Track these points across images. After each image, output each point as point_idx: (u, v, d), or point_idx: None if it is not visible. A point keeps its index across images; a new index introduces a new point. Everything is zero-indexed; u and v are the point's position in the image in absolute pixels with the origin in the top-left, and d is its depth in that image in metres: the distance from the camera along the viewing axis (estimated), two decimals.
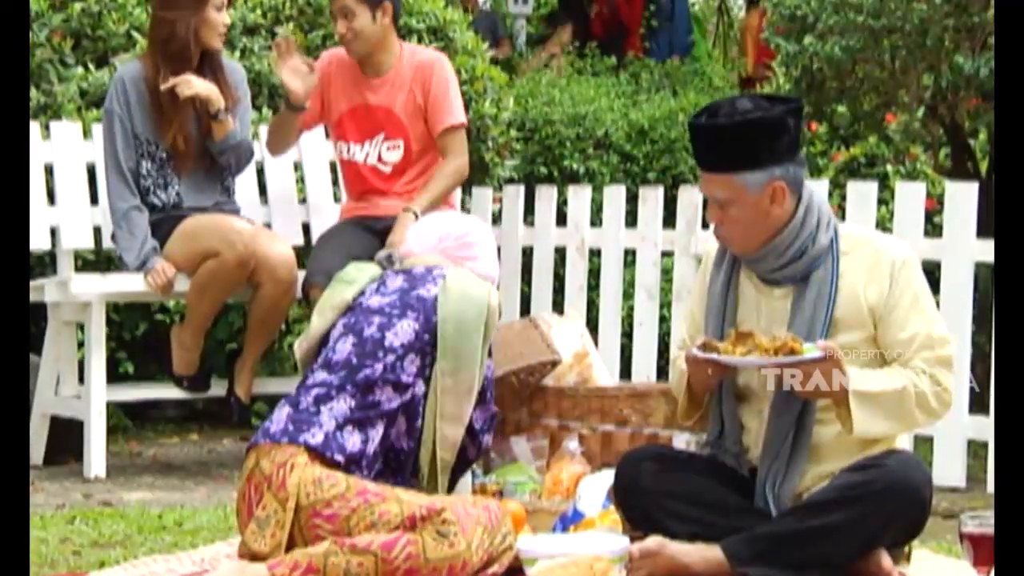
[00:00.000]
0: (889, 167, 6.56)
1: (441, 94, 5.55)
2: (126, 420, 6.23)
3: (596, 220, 6.41)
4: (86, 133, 5.71)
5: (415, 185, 5.57)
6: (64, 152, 5.63)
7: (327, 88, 5.60)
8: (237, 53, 6.26)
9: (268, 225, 5.82)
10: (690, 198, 5.97)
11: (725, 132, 3.60)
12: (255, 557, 3.52)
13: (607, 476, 3.97)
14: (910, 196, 5.55)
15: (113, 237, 5.42)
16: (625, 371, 6.19)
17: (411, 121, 5.55)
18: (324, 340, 3.89)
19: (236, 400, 5.52)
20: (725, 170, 3.60)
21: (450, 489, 3.86)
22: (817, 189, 5.66)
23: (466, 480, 4.15)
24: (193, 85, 5.28)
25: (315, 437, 3.61)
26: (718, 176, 3.62)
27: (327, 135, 5.91)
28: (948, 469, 5.34)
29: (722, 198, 3.61)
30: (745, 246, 3.68)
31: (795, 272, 3.66)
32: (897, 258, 3.66)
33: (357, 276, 3.99)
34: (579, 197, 6.34)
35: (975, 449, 5.51)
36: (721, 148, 3.60)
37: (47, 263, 5.74)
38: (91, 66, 6.11)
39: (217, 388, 5.58)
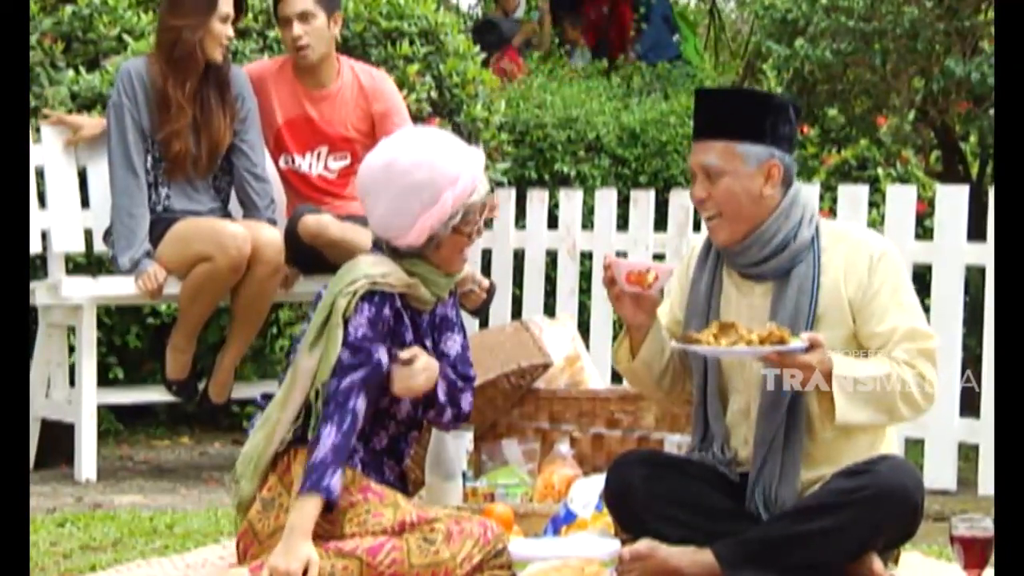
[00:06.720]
0: (880, 170, 6.57)
1: (393, 109, 5.62)
2: (117, 424, 6.23)
3: (587, 223, 6.41)
4: None
5: None
6: (55, 155, 5.62)
7: (262, 98, 5.59)
8: (229, 56, 6.24)
9: None
10: (681, 201, 5.97)
11: (732, 98, 3.72)
12: (257, 536, 3.54)
13: (600, 479, 3.97)
14: (901, 199, 5.56)
15: (106, 236, 5.41)
16: (616, 374, 6.17)
17: (359, 135, 5.61)
18: None
19: (206, 400, 5.50)
20: (726, 136, 3.59)
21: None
22: (807, 191, 5.71)
23: (457, 484, 4.14)
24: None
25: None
26: (716, 143, 3.60)
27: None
28: (939, 472, 5.35)
29: (715, 167, 3.59)
30: (731, 230, 3.64)
31: (777, 266, 3.65)
32: (875, 251, 3.64)
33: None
34: (570, 200, 6.34)
35: (965, 452, 5.51)
36: (726, 114, 3.61)
37: (38, 266, 5.72)
38: (82, 69, 6.09)
39: None
